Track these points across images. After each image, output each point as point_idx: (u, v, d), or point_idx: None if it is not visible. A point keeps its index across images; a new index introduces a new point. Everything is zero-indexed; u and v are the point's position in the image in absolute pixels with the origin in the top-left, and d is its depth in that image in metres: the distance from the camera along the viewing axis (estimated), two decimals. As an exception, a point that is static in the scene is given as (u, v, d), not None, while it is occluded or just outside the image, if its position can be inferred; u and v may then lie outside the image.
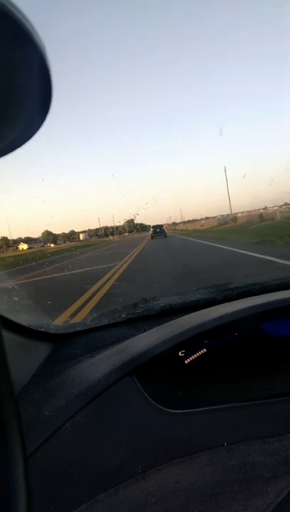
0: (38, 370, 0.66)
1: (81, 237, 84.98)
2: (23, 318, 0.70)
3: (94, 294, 3.91)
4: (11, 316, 0.65)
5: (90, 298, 3.68)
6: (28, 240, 79.00)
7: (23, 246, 69.61)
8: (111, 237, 52.95)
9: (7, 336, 0.61)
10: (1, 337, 0.24)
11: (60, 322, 2.68)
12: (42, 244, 75.80)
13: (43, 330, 0.75)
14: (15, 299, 1.98)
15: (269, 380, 0.59)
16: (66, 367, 0.64)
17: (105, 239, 51.48)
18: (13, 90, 0.19)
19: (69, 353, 0.73)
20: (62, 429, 0.47)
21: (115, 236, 55.92)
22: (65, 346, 0.78)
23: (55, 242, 76.67)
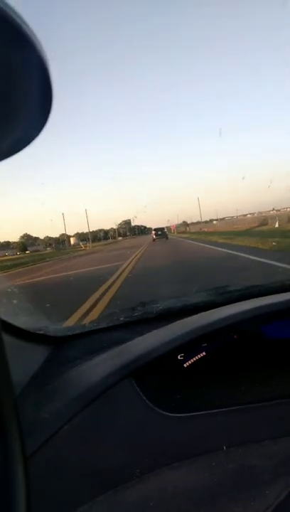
0: (37, 373, 0.66)
1: (72, 241, 71.94)
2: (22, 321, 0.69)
3: None
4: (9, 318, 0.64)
5: None
6: (3, 246, 66.72)
7: (-12, 253, 57.45)
8: (82, 246, 39.71)
9: (5, 338, 0.56)
10: (1, 341, 0.24)
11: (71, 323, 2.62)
12: (14, 251, 63.57)
13: (41, 332, 0.74)
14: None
15: (266, 383, 0.59)
16: (64, 369, 0.64)
17: (79, 248, 38.56)
18: (13, 95, 0.19)
19: (67, 356, 0.72)
20: (61, 431, 0.46)
21: (88, 244, 42.39)
22: (63, 349, 0.77)
23: (25, 250, 64.46)
